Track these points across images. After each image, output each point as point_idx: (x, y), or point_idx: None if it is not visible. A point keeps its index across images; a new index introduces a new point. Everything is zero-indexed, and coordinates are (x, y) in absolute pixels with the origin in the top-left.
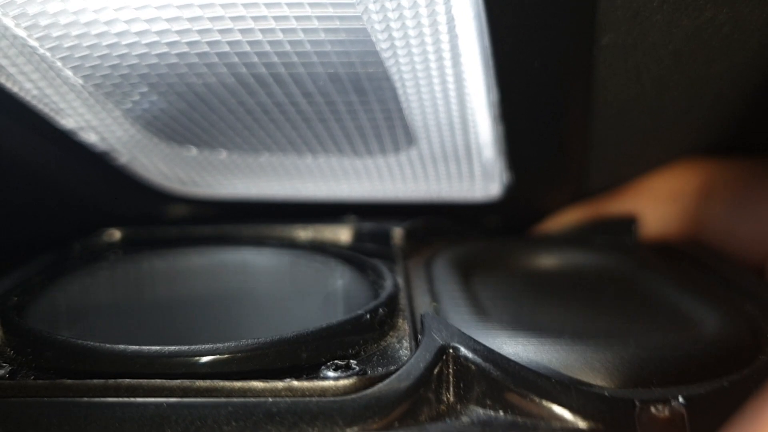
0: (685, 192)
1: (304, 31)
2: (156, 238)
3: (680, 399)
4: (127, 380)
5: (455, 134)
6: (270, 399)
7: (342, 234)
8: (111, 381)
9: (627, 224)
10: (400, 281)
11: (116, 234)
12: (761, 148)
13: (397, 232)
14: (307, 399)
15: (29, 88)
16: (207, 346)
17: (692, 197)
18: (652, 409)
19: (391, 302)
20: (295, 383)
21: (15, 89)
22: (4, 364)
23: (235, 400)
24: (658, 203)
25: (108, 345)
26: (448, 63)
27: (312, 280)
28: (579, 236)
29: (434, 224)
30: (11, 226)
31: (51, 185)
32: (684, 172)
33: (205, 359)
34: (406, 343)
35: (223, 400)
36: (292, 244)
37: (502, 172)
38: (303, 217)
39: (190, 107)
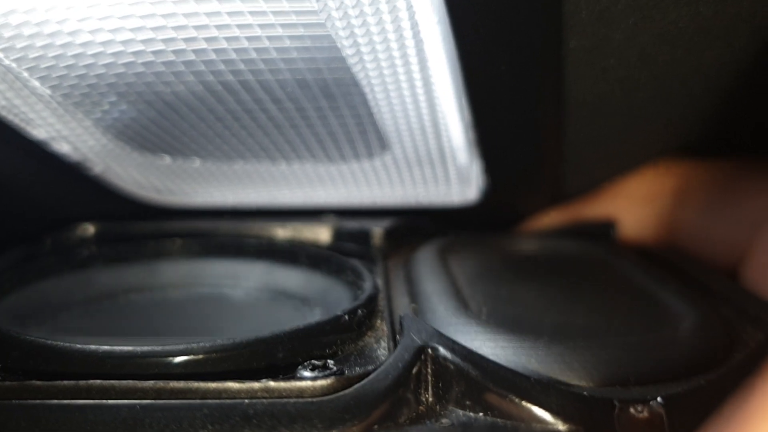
0: (661, 194)
1: (269, 38)
2: (131, 234)
3: (659, 399)
4: (99, 381)
5: (428, 138)
6: (246, 400)
7: (321, 233)
8: (82, 382)
9: (606, 227)
10: (379, 282)
11: (90, 229)
12: (736, 149)
13: (377, 232)
14: (285, 400)
15: None
16: (181, 346)
17: (667, 199)
18: (631, 410)
19: (370, 303)
20: (272, 384)
21: None
22: None
23: (210, 401)
24: (634, 205)
25: (78, 345)
26: (415, 68)
27: (290, 279)
28: (554, 245)
29: (414, 224)
30: None
31: (24, 196)
32: (659, 174)
33: (178, 359)
34: (384, 344)
35: (198, 401)
36: (271, 243)
37: (478, 176)
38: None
39: (160, 115)
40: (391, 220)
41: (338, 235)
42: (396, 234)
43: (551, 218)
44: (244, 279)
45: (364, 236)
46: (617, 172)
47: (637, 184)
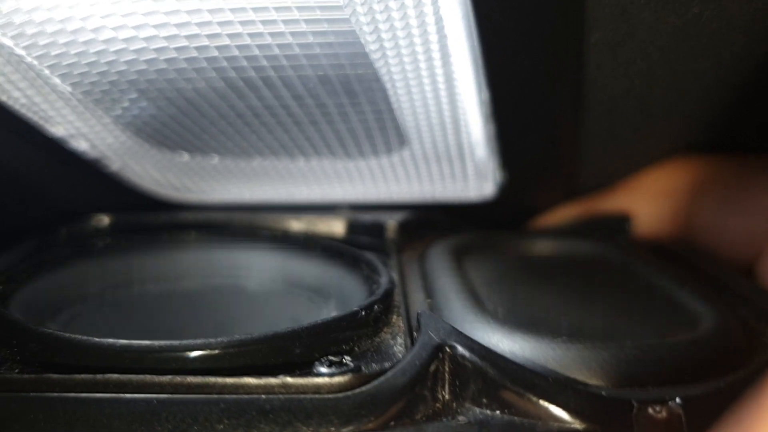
0: (677, 190)
1: (293, 34)
2: (146, 225)
3: (677, 400)
4: (116, 375)
5: (447, 134)
6: (263, 396)
7: (335, 226)
8: (99, 376)
9: (621, 222)
10: (395, 276)
11: (105, 220)
12: (752, 145)
13: (391, 225)
14: (302, 396)
15: (17, 97)
16: (198, 341)
17: (683, 195)
18: (650, 410)
19: (387, 298)
20: (289, 380)
21: (3, 98)
22: None
23: (227, 396)
24: (649, 201)
25: (95, 339)
26: (437, 63)
27: (306, 273)
28: (573, 231)
29: (428, 218)
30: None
31: (42, 194)
32: (675, 169)
33: (196, 354)
34: (400, 340)
35: (215, 396)
36: (285, 236)
37: (495, 171)
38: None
39: (180, 113)
40: (405, 213)
41: (352, 227)
42: (410, 227)
43: (566, 213)
44: (259, 270)
45: (378, 229)
46: (633, 167)
47: (652, 180)
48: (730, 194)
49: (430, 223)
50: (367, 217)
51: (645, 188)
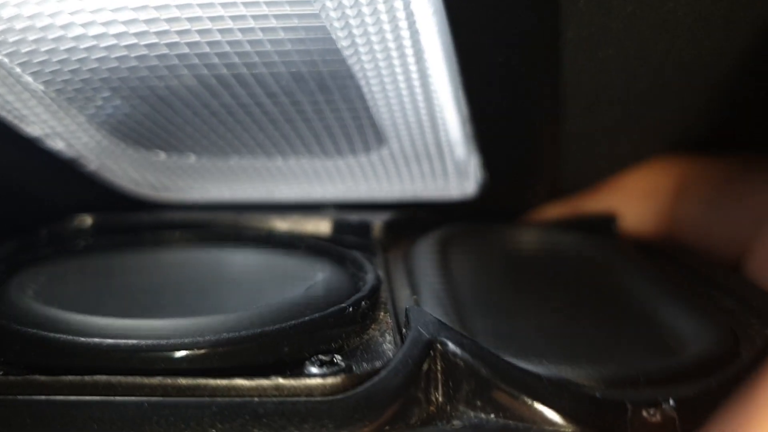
0: (661, 189)
1: (263, 30)
2: (128, 225)
3: (671, 402)
4: (105, 377)
5: (425, 132)
6: (256, 399)
7: (321, 226)
8: (87, 378)
9: (606, 222)
10: (381, 274)
11: (87, 220)
12: (737, 144)
13: (377, 225)
14: (295, 399)
15: None
16: (187, 341)
17: (668, 194)
18: (644, 413)
19: (373, 295)
20: (282, 381)
21: None
22: None
23: (219, 399)
24: (633, 200)
25: (81, 338)
26: (411, 60)
27: (291, 271)
28: (556, 237)
29: (414, 217)
30: None
31: (19, 194)
32: (659, 169)
33: (185, 354)
34: (389, 337)
35: (207, 399)
36: (270, 235)
37: (476, 170)
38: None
39: (154, 111)
40: (391, 213)
41: (338, 227)
42: (396, 226)
43: (550, 212)
44: (243, 272)
45: (364, 229)
46: (617, 166)
47: (637, 179)
48: (715, 193)
49: (416, 222)
50: (353, 217)
51: (629, 187)
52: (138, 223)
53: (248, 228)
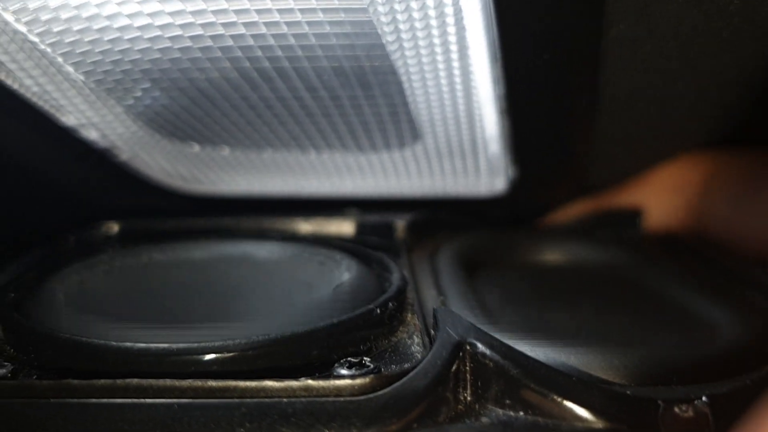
0: (690, 184)
1: (309, 24)
2: (155, 231)
3: (704, 398)
4: (136, 380)
5: (461, 129)
6: (285, 399)
7: (344, 227)
8: (119, 381)
9: (632, 217)
10: (407, 275)
11: (114, 227)
12: (763, 139)
13: (400, 225)
14: (323, 399)
15: (29, 85)
16: (217, 344)
17: (696, 189)
18: (676, 409)
19: (400, 296)
20: (311, 382)
21: (15, 86)
22: (6, 363)
23: (248, 400)
24: (662, 195)
25: (113, 343)
26: (455, 56)
27: (317, 273)
28: (584, 229)
29: (437, 217)
30: (8, 224)
31: (51, 183)
32: (688, 164)
33: (215, 357)
34: (417, 339)
35: (236, 400)
36: (295, 237)
37: (508, 167)
38: (305, 213)
39: (192, 103)
40: (414, 213)
41: (361, 228)
42: (419, 227)
43: (578, 209)
44: (269, 276)
45: (387, 229)
46: (646, 163)
47: (665, 175)
48: (742, 188)
49: (439, 222)
50: (376, 218)
51: (657, 183)
52: (165, 228)
53: (273, 231)
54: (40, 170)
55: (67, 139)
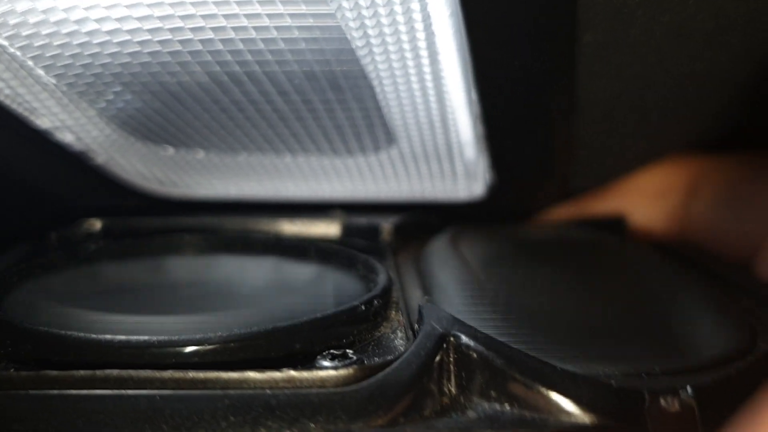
0: (672, 189)
1: (277, 28)
2: (137, 229)
3: (689, 389)
4: (116, 371)
5: (435, 133)
6: (268, 391)
7: (329, 229)
8: (99, 372)
9: (616, 223)
10: (393, 275)
11: (96, 224)
12: (748, 144)
13: (386, 228)
14: (307, 391)
15: (1, 88)
16: (198, 336)
17: (679, 194)
18: (662, 402)
19: (385, 294)
20: (294, 373)
21: None
22: None
23: (231, 392)
24: (644, 201)
25: (93, 335)
26: (425, 61)
27: (302, 272)
28: (566, 232)
29: (423, 220)
30: None
31: (26, 186)
32: (670, 169)
33: (195, 349)
34: (401, 334)
35: (219, 392)
36: (279, 237)
37: (485, 172)
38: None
39: (164, 106)
40: (400, 216)
41: (347, 230)
42: (405, 229)
43: (559, 214)
44: (253, 274)
45: (373, 232)
46: (628, 168)
47: (647, 180)
48: (727, 192)
49: (425, 225)
50: (362, 220)
51: (640, 188)
52: (147, 227)
53: (257, 231)
54: (17, 172)
55: (42, 141)
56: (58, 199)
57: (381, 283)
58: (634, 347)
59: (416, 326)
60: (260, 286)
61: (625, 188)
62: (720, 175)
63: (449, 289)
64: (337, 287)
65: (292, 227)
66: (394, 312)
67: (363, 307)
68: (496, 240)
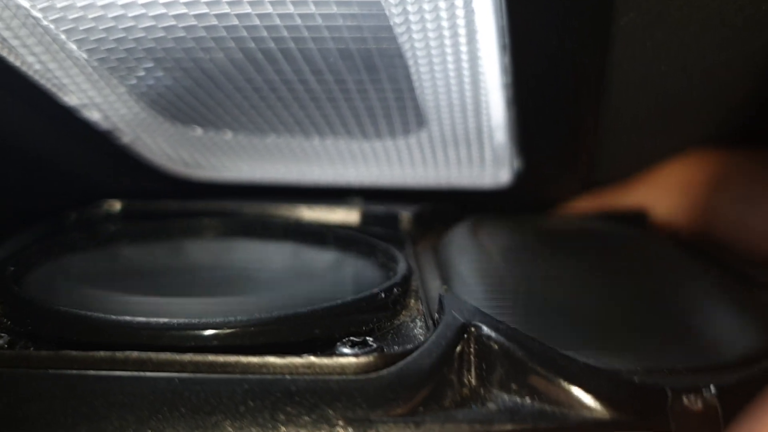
0: (696, 183)
1: (316, 3)
2: (156, 212)
3: (712, 389)
4: (136, 353)
5: (467, 116)
6: (288, 376)
7: (349, 216)
8: (119, 353)
9: (638, 216)
10: (412, 264)
11: (116, 205)
12: None
13: (405, 216)
14: (327, 377)
15: (32, 63)
16: (218, 320)
17: (702, 189)
18: (684, 400)
19: (405, 282)
20: (314, 360)
21: (17, 63)
22: (2, 334)
23: (251, 376)
24: (668, 194)
25: (113, 316)
26: (463, 40)
27: (322, 259)
28: (589, 225)
29: (442, 209)
30: (8, 202)
31: (52, 163)
32: (694, 162)
33: (215, 332)
34: (420, 323)
35: (238, 376)
36: (299, 223)
37: (513, 158)
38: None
39: (196, 84)
40: (419, 205)
41: (366, 218)
42: (424, 218)
43: (582, 205)
44: (272, 259)
45: (392, 220)
46: (653, 160)
47: (671, 173)
48: (750, 188)
49: (443, 214)
50: (381, 208)
51: (663, 181)
52: (166, 209)
53: (276, 216)
54: (41, 149)
55: (68, 119)
56: (81, 178)
57: (401, 272)
58: (655, 343)
59: (436, 316)
60: (279, 271)
61: (647, 182)
62: (743, 170)
63: (469, 279)
64: (356, 275)
65: (311, 213)
66: (413, 301)
67: (383, 295)
68: (518, 231)
